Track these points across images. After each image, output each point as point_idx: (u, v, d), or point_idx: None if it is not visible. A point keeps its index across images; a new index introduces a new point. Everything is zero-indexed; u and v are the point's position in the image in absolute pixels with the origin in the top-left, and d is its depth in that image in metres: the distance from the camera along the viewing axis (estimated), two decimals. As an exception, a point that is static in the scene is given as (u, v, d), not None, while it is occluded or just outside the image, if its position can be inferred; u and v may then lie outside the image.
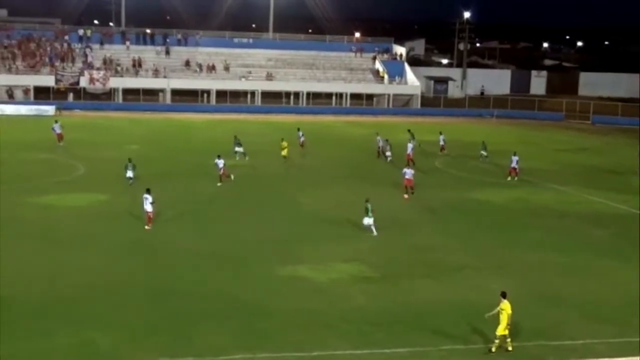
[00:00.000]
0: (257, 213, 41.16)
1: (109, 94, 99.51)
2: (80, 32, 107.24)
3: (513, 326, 23.59)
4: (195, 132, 63.67)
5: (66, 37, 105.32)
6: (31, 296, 26.96)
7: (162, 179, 48.72)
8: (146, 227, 36.35)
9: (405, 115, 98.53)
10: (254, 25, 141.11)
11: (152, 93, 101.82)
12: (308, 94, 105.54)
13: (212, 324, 25.02)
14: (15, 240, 33.87)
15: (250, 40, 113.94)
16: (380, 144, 61.70)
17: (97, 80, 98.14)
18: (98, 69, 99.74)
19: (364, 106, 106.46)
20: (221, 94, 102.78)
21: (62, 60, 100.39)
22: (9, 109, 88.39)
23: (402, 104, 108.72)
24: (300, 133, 65.15)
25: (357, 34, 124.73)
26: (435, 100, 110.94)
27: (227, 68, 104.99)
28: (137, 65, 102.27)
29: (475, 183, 51.95)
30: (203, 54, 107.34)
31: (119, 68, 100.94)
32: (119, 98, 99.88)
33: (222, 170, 48.04)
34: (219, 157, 48.67)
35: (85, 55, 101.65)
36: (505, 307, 23.38)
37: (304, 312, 26.35)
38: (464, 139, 73.23)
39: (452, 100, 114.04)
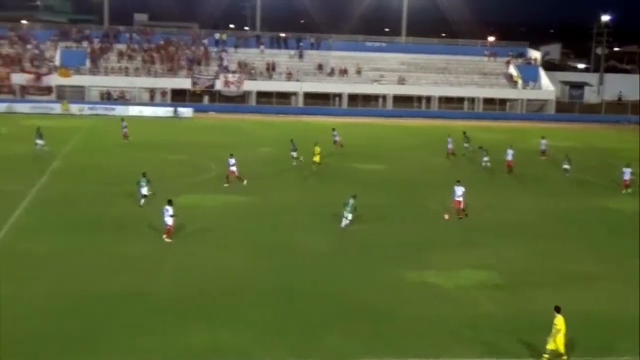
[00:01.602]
0: (387, 216, 41.30)
1: (243, 96, 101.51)
2: (217, 36, 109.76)
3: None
4: (327, 135, 64.23)
5: (203, 41, 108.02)
6: (167, 292, 27.87)
7: (293, 180, 49.58)
8: (166, 239, 34.72)
9: (539, 121, 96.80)
10: (387, 29, 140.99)
11: (284, 96, 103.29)
12: (440, 98, 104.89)
13: (340, 327, 25.30)
14: (153, 238, 35.06)
15: (383, 44, 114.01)
16: (450, 145, 60.98)
17: (232, 83, 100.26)
18: (233, 72, 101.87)
19: (496, 111, 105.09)
20: (353, 98, 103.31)
21: (199, 63, 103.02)
22: (148, 111, 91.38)
23: (535, 109, 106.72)
24: (335, 133, 65.70)
25: (491, 38, 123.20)
26: (571, 106, 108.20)
27: (359, 72, 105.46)
28: (270, 68, 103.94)
29: (604, 190, 50.66)
30: (336, 57, 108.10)
31: (253, 71, 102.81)
32: (253, 101, 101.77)
33: (230, 170, 48.03)
34: (231, 155, 48.67)
35: (221, 59, 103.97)
36: (559, 322, 22.67)
37: (430, 317, 26.34)
38: (598, 145, 71.34)
39: (588, 106, 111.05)
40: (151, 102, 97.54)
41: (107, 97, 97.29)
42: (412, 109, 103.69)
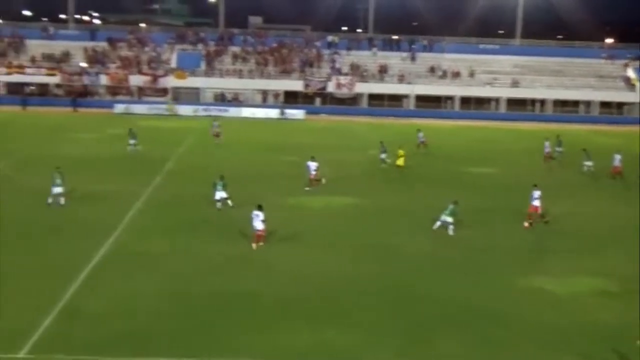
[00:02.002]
0: (495, 220, 40.71)
1: (354, 99, 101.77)
2: (329, 38, 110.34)
3: None
4: (440, 138, 63.78)
5: (316, 44, 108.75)
6: (275, 293, 28.06)
7: (401, 182, 49.39)
8: (253, 245, 33.56)
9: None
10: (501, 31, 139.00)
11: (396, 99, 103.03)
12: (554, 101, 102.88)
13: (450, 330, 25.01)
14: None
15: (497, 46, 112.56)
16: (548, 149, 59.36)
17: (344, 85, 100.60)
18: (345, 74, 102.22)
19: (613, 115, 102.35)
20: (465, 101, 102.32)
21: (311, 65, 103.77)
22: (260, 113, 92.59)
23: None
24: (421, 134, 65.16)
25: (609, 40, 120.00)
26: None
27: (472, 74, 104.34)
28: (382, 71, 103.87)
29: None
30: (448, 60, 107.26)
31: (365, 74, 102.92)
32: (364, 103, 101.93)
33: (312, 175, 47.16)
34: (312, 158, 47.81)
35: (333, 61, 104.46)
36: None
37: (542, 324, 25.76)
38: None
39: None
40: (264, 103, 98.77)
41: (221, 99, 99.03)
42: (525, 112, 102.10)
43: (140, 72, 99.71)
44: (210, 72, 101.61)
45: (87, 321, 24.67)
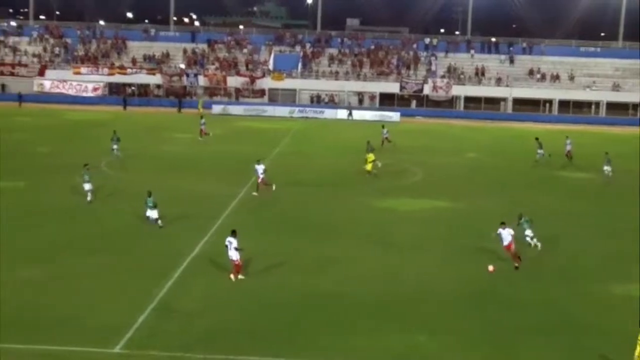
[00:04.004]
0: (589, 225, 39.86)
1: (451, 101, 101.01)
2: (427, 40, 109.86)
3: None
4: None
5: (413, 46, 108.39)
6: (365, 295, 28.01)
7: (498, 187, 48.86)
8: (231, 277, 29.13)
9: None
10: (602, 34, 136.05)
11: (493, 102, 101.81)
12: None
13: (540, 339, 24.56)
14: (353, 240, 35.43)
15: (598, 49, 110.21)
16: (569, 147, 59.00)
17: (440, 88, 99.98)
18: (442, 77, 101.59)
19: None
20: (564, 104, 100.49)
21: (408, 68, 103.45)
22: (356, 115, 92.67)
23: None
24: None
25: None
26: None
27: (571, 77, 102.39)
28: (480, 73, 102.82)
29: None
30: (547, 62, 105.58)
31: (461, 76, 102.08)
32: (460, 106, 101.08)
33: (260, 178, 44.51)
34: (258, 162, 45.36)
35: (430, 64, 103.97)
36: None
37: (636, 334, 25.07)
38: None
39: None
40: (360, 105, 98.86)
41: (317, 101, 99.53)
42: (626, 117, 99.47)
43: (238, 74, 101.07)
44: (306, 73, 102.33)
45: (179, 318, 25.10)
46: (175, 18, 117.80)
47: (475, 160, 61.00)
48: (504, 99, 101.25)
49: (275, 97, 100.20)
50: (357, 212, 40.80)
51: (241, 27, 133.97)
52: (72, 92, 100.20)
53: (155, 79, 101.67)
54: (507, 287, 29.43)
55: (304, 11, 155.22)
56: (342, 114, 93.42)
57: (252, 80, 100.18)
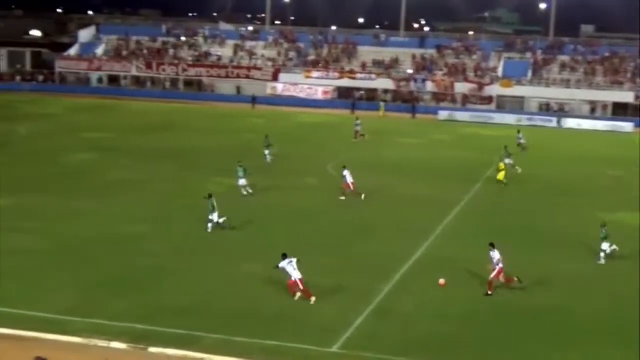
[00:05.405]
0: None
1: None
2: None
3: None
4: None
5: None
6: (589, 309, 27.17)
7: None
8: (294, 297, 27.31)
9: None
10: None
11: None
12: None
13: None
14: (580, 251, 34.34)
15: None
16: None
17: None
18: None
19: None
20: None
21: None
22: (586, 124, 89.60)
23: None
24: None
25: None
26: None
27: None
28: None
29: None
30: None
31: None
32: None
33: (348, 184, 43.57)
34: (344, 167, 44.48)
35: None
36: None
37: None
38: None
39: None
40: (591, 115, 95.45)
41: (546, 109, 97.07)
42: None
43: (465, 80, 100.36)
44: (536, 81, 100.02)
45: (396, 322, 25.31)
46: (401, 23, 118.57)
47: None
48: None
49: (502, 104, 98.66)
50: (583, 223, 39.41)
51: (471, 32, 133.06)
52: (302, 95, 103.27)
53: (384, 84, 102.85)
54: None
55: (536, 17, 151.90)
56: (571, 122, 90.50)
57: (480, 86, 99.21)
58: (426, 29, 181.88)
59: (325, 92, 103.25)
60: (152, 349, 22.60)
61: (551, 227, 38.98)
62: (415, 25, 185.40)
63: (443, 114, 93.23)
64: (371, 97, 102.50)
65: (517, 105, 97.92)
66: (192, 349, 22.56)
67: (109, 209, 39.28)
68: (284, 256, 27.25)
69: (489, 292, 28.43)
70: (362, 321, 25.17)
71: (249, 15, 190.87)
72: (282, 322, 24.96)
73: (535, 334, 24.85)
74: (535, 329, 25.26)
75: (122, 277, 28.86)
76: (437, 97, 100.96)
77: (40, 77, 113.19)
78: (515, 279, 29.21)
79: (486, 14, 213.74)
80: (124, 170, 50.13)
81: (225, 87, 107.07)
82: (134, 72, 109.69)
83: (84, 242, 33.29)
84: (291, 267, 26.88)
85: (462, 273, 30.59)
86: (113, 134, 66.54)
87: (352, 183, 43.74)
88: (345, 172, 43.94)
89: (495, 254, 28.82)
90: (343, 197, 43.72)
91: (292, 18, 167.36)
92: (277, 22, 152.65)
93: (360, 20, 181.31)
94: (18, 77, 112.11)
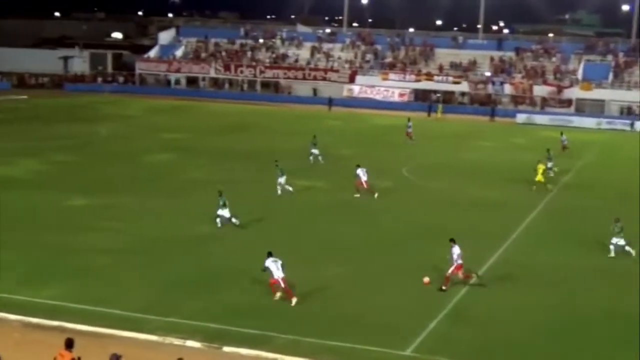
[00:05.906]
0: None
1: None
2: None
3: None
4: None
5: None
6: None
7: None
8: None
9: None
10: None
11: None
12: None
13: None
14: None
15: None
16: None
17: None
18: None
19: None
20: None
21: None
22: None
23: None
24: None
25: None
26: None
27: None
28: None
29: None
30: None
31: None
32: None
33: (358, 181, 43.98)
34: (358, 166, 44.58)
35: None
36: None
37: None
38: None
39: None
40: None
41: (628, 112, 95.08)
42: None
43: (544, 83, 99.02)
44: (617, 84, 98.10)
45: (468, 327, 25.05)
46: (479, 25, 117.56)
47: None
48: None
49: (582, 107, 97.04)
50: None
51: (551, 35, 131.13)
52: (379, 97, 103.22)
53: (461, 87, 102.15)
54: None
55: (618, 19, 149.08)
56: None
57: (560, 89, 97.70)
58: (505, 31, 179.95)
59: (401, 95, 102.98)
60: (227, 349, 22.78)
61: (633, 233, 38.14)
62: (494, 28, 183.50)
63: (521, 117, 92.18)
64: (448, 100, 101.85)
65: (597, 108, 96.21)
66: (265, 349, 22.65)
67: (185, 208, 39.76)
68: (269, 254, 26.89)
69: (444, 288, 28.20)
70: (436, 325, 24.97)
71: (326, 18, 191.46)
72: (354, 324, 24.91)
73: (613, 343, 24.30)
74: (611, 337, 24.73)
75: (197, 276, 29.15)
76: (516, 100, 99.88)
77: (121, 79, 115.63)
78: (474, 275, 29.17)
79: (567, 16, 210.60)
80: (201, 171, 50.79)
81: (302, 89, 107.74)
82: (212, 74, 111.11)
83: (161, 241, 33.74)
84: (275, 266, 26.50)
85: (537, 279, 30.17)
86: (191, 135, 67.42)
87: (366, 182, 44.07)
88: (359, 171, 44.26)
89: (456, 250, 28.67)
90: (358, 195, 44.02)
91: (369, 20, 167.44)
92: (354, 24, 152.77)
93: (439, 22, 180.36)
94: (100, 79, 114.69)
